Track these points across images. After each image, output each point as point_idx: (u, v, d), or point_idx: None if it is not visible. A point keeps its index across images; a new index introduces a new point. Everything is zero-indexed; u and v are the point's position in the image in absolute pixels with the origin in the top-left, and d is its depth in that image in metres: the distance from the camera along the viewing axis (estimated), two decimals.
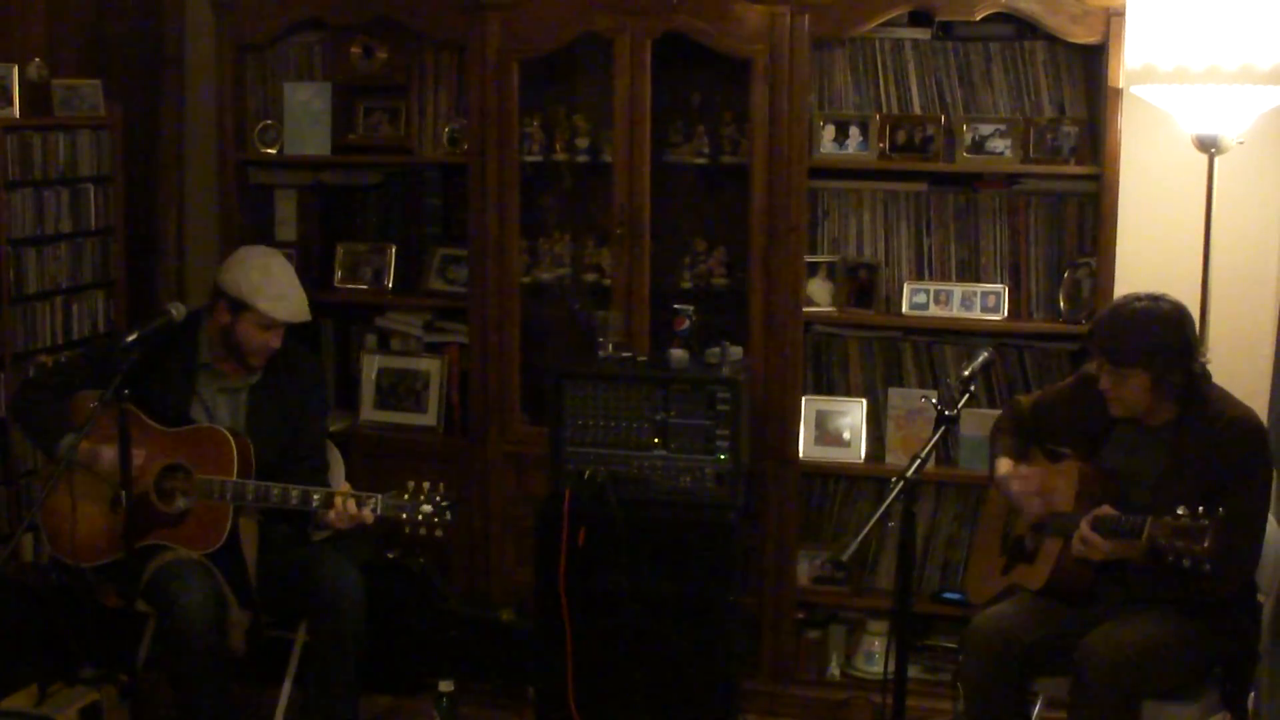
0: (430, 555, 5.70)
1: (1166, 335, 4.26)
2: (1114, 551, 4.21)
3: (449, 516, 4.62)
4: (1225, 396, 4.38)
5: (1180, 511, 3.97)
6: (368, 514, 4.66)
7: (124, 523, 4.41)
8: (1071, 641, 4.30)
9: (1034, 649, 4.37)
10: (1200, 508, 3.95)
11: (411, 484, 4.66)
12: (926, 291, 5.51)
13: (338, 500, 4.66)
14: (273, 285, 4.85)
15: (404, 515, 4.62)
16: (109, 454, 4.65)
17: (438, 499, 4.61)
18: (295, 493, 4.70)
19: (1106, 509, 4.24)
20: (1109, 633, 4.22)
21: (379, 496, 4.66)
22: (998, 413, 5.03)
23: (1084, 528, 4.22)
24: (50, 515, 4.86)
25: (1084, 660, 4.19)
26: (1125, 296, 4.41)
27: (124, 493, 4.38)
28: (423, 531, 4.62)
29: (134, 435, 4.61)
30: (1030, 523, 4.54)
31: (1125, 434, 4.44)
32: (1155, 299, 4.33)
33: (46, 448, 4.83)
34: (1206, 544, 3.90)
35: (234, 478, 4.72)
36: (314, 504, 4.69)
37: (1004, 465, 4.62)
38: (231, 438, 4.77)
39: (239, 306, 4.81)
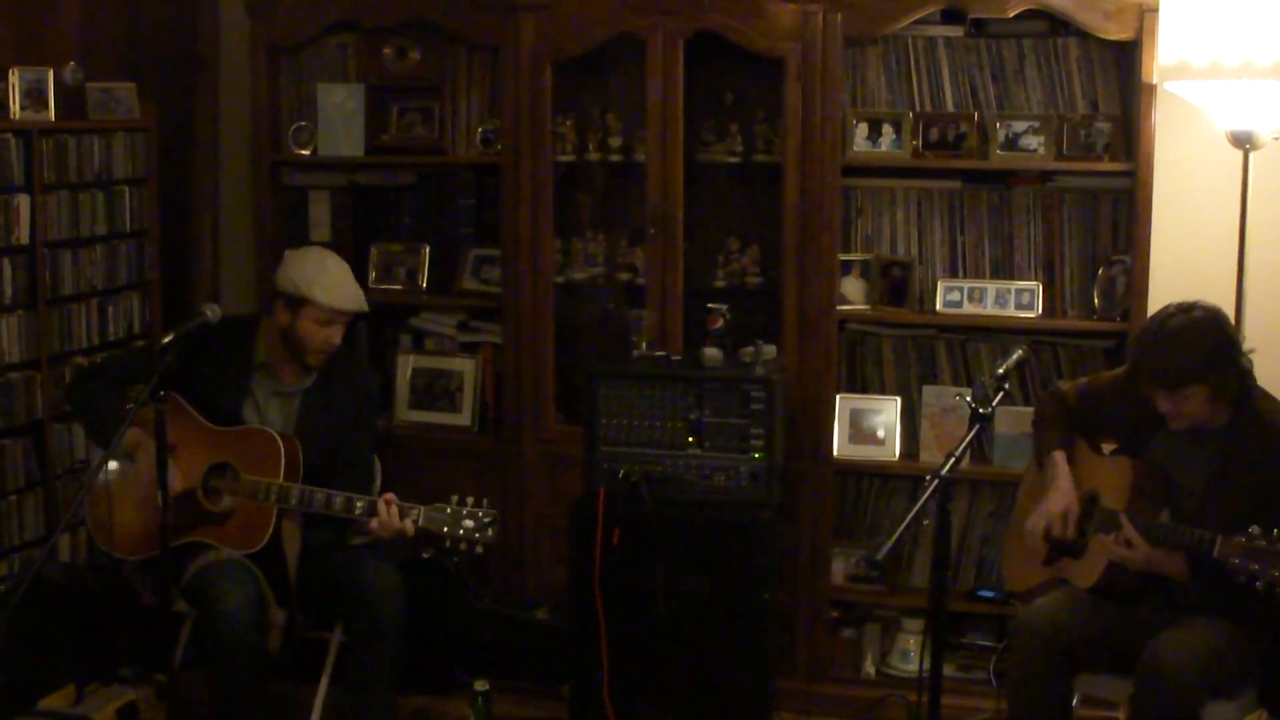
0: (465, 555, 5.70)
1: (1212, 343, 4.19)
2: (1154, 560, 4.20)
3: (490, 534, 4.62)
4: (1274, 404, 4.33)
5: (1253, 531, 3.94)
6: (409, 525, 4.66)
7: (162, 523, 4.42)
8: (1119, 641, 4.30)
9: (1080, 645, 4.36)
10: (1275, 530, 3.91)
11: (455, 498, 4.67)
12: (960, 289, 5.50)
13: (381, 509, 4.67)
14: (329, 277, 4.90)
15: (445, 529, 4.62)
16: (153, 448, 4.69)
17: (480, 515, 4.62)
18: (339, 499, 4.72)
19: (1163, 516, 4.22)
20: (1170, 643, 4.17)
21: (421, 508, 4.67)
22: (1032, 411, 5.01)
23: (1129, 530, 4.21)
24: (96, 505, 4.88)
25: (1149, 673, 4.15)
26: (1157, 314, 4.30)
27: (161, 493, 4.39)
28: (463, 547, 4.61)
29: (184, 432, 4.65)
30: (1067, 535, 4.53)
31: (1174, 435, 4.39)
32: (1186, 310, 4.25)
33: (103, 438, 4.84)
34: None
35: (280, 480, 4.75)
36: (357, 511, 4.70)
37: (1063, 461, 4.58)
38: (280, 440, 4.80)
39: (297, 303, 4.85)
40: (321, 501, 4.72)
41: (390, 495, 4.73)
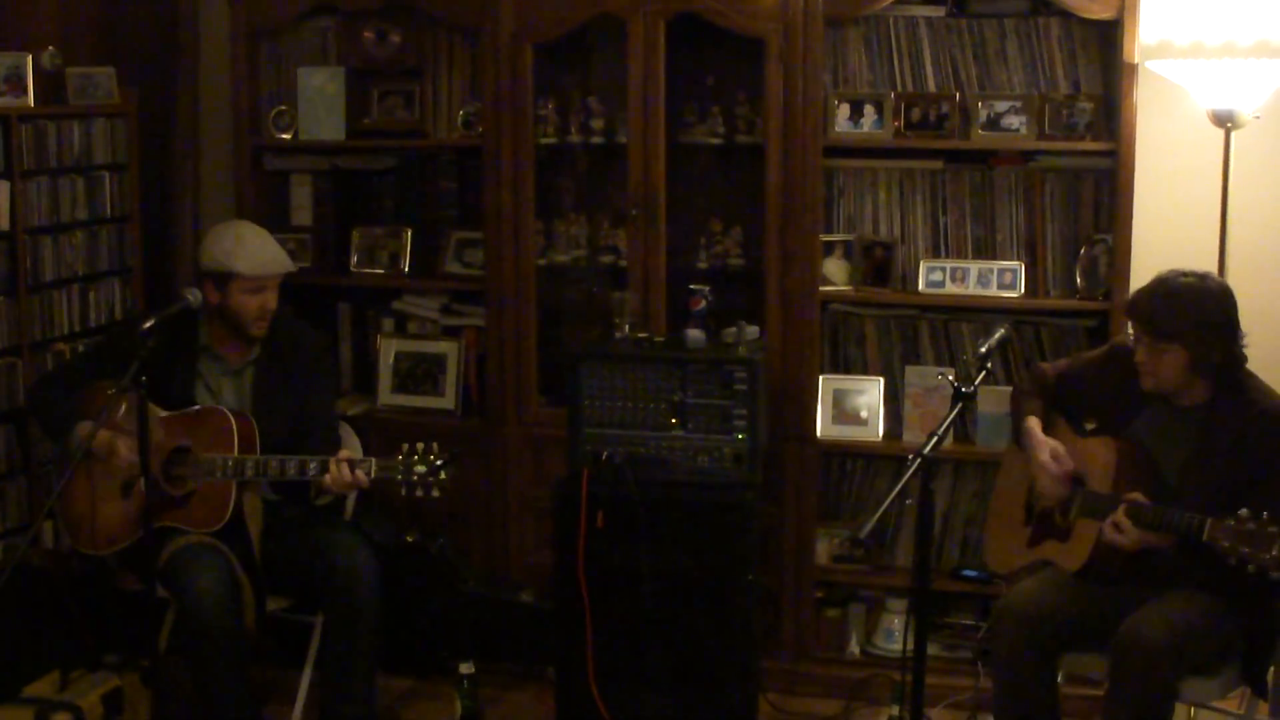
0: (449, 537, 5.72)
1: (1212, 313, 4.22)
2: (1145, 540, 4.20)
3: (443, 475, 4.66)
4: (1261, 386, 4.34)
5: (1243, 514, 3.94)
6: (361, 476, 4.72)
7: (144, 506, 4.42)
8: (1101, 621, 4.29)
9: (1064, 627, 4.36)
10: (1265, 513, 3.91)
11: (405, 446, 4.71)
12: (943, 269, 5.51)
13: (332, 465, 4.70)
14: (246, 247, 4.96)
15: (398, 476, 4.67)
16: (125, 445, 4.70)
17: (431, 458, 4.66)
18: (292, 463, 4.76)
19: (1138, 496, 4.23)
20: (1146, 617, 4.18)
21: (373, 460, 4.73)
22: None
23: (1120, 515, 4.22)
24: (67, 506, 4.91)
25: (1120, 645, 4.16)
26: (1171, 271, 4.32)
27: (142, 477, 4.40)
28: (419, 493, 4.66)
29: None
30: (1058, 500, 4.53)
31: (1155, 412, 4.40)
32: (1202, 276, 4.29)
33: (61, 441, 4.88)
34: (1275, 552, 3.87)
35: (235, 454, 4.76)
36: (310, 472, 4.73)
37: (1035, 424, 4.59)
38: (232, 416, 4.81)
39: (223, 278, 4.91)
40: (275, 468, 4.76)
41: (344, 452, 4.79)
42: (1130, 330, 4.42)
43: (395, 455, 4.70)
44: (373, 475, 4.72)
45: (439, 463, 4.66)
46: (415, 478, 4.66)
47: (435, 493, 4.68)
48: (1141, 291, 4.36)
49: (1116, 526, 4.21)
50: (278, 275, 5.01)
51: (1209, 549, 4.01)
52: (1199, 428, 4.32)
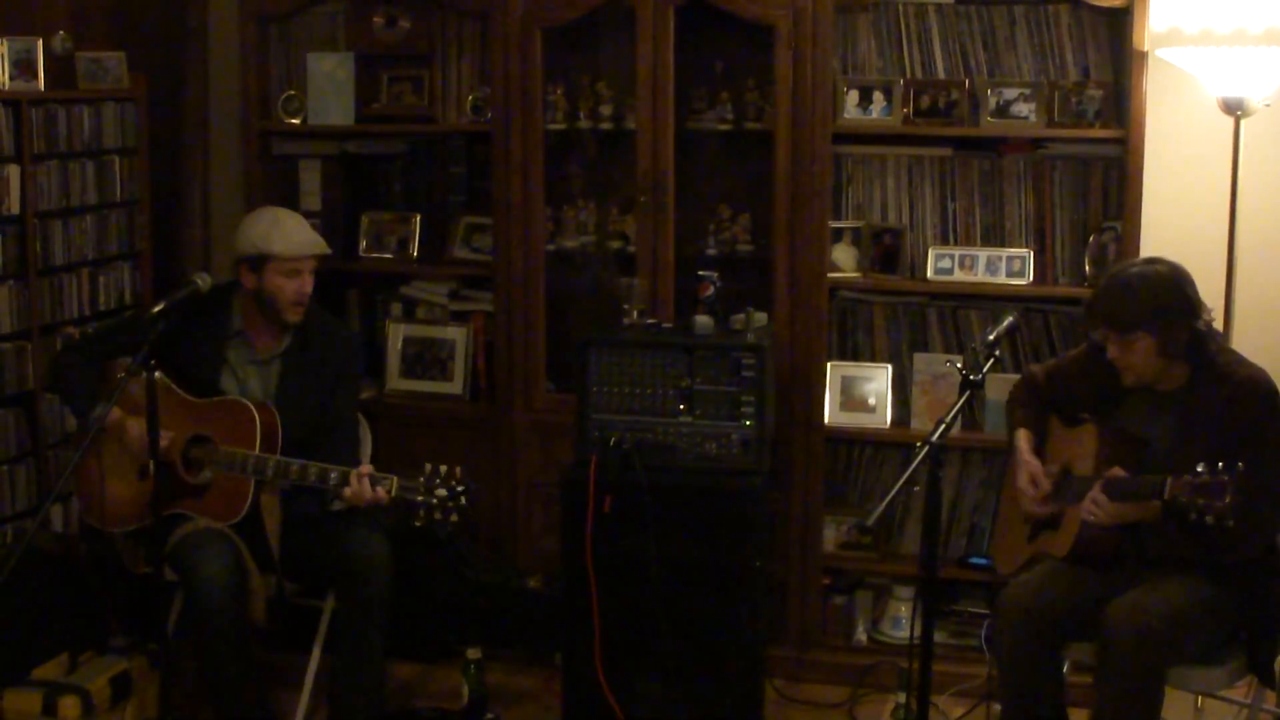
0: (439, 524, 5.71)
1: (1165, 295, 4.24)
2: (1122, 513, 4.23)
3: (463, 502, 4.55)
4: (1235, 358, 4.38)
5: (1200, 469, 3.97)
6: (382, 494, 4.63)
7: (152, 492, 4.42)
8: (1098, 607, 4.29)
9: (1066, 616, 4.36)
10: (1220, 464, 3.95)
11: (429, 466, 4.60)
12: (951, 256, 5.51)
13: (353, 480, 4.66)
14: (282, 229, 4.92)
15: (419, 498, 4.54)
16: (136, 427, 4.69)
17: (453, 484, 4.55)
18: (314, 469, 4.70)
19: (1117, 471, 4.25)
20: (1133, 601, 4.20)
21: (394, 478, 4.62)
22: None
23: (1094, 490, 4.24)
24: (83, 480, 4.90)
25: (1110, 629, 4.16)
26: (1117, 265, 4.42)
27: (152, 463, 4.39)
28: (437, 516, 4.53)
29: (162, 405, 4.64)
30: (1042, 495, 4.55)
31: (1138, 400, 4.43)
32: (1150, 262, 4.34)
33: (80, 412, 4.88)
34: (1227, 499, 3.90)
35: (256, 450, 4.75)
36: (331, 481, 4.70)
37: (1023, 439, 4.63)
38: (255, 410, 4.79)
39: (260, 261, 4.87)
40: (296, 472, 4.72)
41: (366, 467, 4.70)
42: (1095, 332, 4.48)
43: (417, 475, 4.62)
44: (393, 494, 4.64)
45: (460, 488, 4.56)
46: (435, 500, 4.54)
47: (453, 518, 4.57)
48: (1095, 292, 4.42)
49: (1094, 502, 4.24)
50: (313, 257, 4.97)
51: (1185, 516, 4.02)
52: (1181, 409, 4.34)
